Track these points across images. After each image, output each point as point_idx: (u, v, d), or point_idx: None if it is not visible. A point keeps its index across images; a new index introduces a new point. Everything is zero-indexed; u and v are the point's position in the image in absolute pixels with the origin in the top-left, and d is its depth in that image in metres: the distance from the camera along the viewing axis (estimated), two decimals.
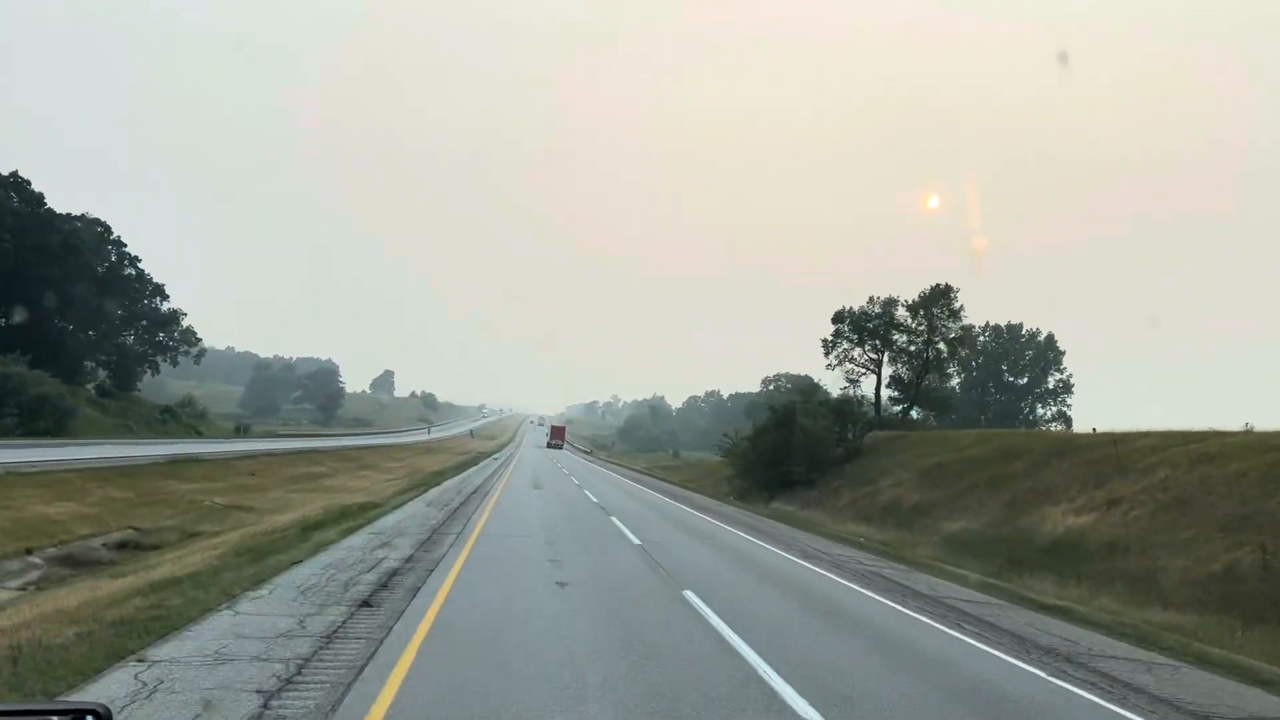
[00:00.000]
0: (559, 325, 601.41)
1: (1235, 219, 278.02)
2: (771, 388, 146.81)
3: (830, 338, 59.92)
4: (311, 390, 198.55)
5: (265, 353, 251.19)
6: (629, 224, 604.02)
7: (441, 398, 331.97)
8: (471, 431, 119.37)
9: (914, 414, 59.61)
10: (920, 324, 56.52)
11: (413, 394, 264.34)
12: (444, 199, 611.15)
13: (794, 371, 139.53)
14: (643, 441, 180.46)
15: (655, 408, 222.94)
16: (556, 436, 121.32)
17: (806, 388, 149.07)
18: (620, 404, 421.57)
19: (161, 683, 6.42)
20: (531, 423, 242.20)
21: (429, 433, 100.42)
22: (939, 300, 55.33)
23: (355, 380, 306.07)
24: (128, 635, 7.74)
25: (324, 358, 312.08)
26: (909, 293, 61.12)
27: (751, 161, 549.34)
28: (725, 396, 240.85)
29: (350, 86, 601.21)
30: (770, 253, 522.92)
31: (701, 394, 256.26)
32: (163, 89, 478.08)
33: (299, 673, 7.02)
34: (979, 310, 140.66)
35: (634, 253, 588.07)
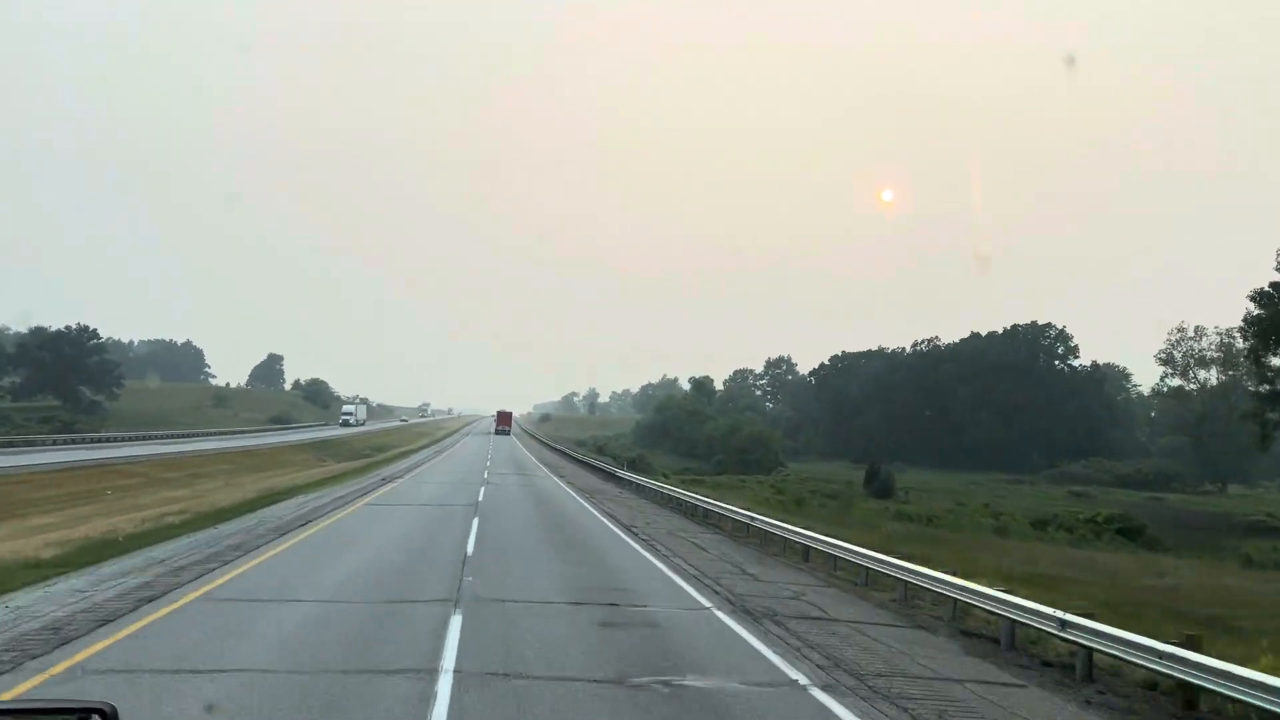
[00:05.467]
0: (521, 324, 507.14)
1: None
2: None
3: None
4: (52, 370, 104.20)
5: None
6: (589, 219, 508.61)
7: (379, 398, 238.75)
8: None
9: None
10: None
11: (297, 383, 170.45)
12: (402, 196, 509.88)
13: None
14: (703, 449, 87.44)
15: (701, 386, 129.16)
16: (503, 423, 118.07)
17: None
18: (602, 397, 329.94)
19: None
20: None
21: None
22: None
23: (235, 370, 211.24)
24: None
25: (183, 341, 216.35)
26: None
27: (734, 158, 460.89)
28: (807, 371, 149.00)
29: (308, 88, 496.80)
30: (761, 248, 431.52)
31: (758, 367, 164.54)
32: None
33: None
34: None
35: (601, 248, 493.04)
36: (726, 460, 76.20)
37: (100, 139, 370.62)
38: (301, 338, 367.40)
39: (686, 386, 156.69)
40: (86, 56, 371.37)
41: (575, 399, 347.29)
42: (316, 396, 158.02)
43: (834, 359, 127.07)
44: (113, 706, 2.23)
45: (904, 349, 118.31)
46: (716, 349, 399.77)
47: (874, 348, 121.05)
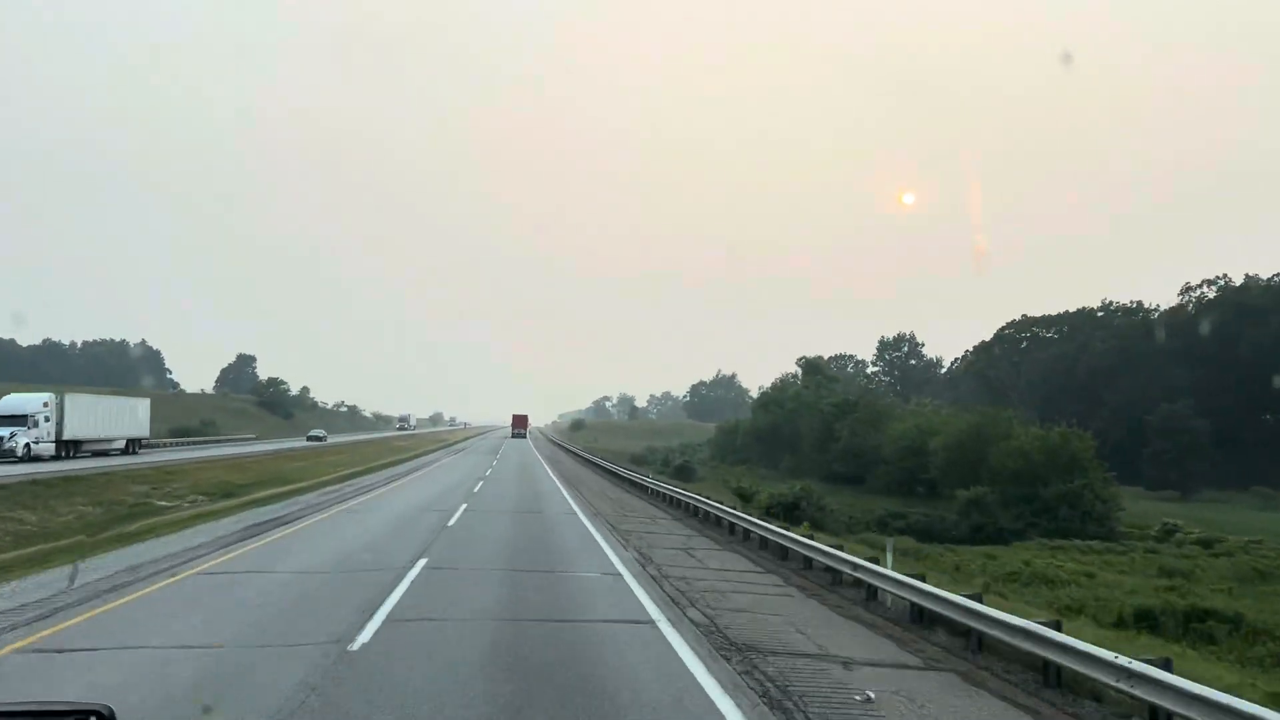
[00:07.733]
0: (538, 331, 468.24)
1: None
2: None
3: None
4: None
5: None
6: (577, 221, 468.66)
7: (384, 408, 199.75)
8: None
9: None
10: None
11: (259, 386, 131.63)
12: (407, 202, 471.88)
13: None
14: (883, 476, 46.48)
15: (817, 369, 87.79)
16: (519, 425, 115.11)
17: None
18: (640, 401, 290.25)
19: None
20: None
21: None
22: None
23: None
24: None
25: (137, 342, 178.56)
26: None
27: (736, 161, 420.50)
28: (938, 352, 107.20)
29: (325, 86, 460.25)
30: (767, 246, 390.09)
31: (863, 353, 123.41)
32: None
33: None
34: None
35: (609, 251, 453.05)
36: (995, 503, 35.21)
37: (94, 134, 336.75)
38: (305, 343, 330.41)
39: (742, 383, 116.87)
40: (62, 45, 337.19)
41: (608, 404, 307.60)
42: (276, 403, 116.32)
43: (1011, 325, 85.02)
44: (110, 708, 2.13)
45: (1140, 303, 76.66)
46: (740, 350, 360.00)
47: (1097, 305, 78.86)
